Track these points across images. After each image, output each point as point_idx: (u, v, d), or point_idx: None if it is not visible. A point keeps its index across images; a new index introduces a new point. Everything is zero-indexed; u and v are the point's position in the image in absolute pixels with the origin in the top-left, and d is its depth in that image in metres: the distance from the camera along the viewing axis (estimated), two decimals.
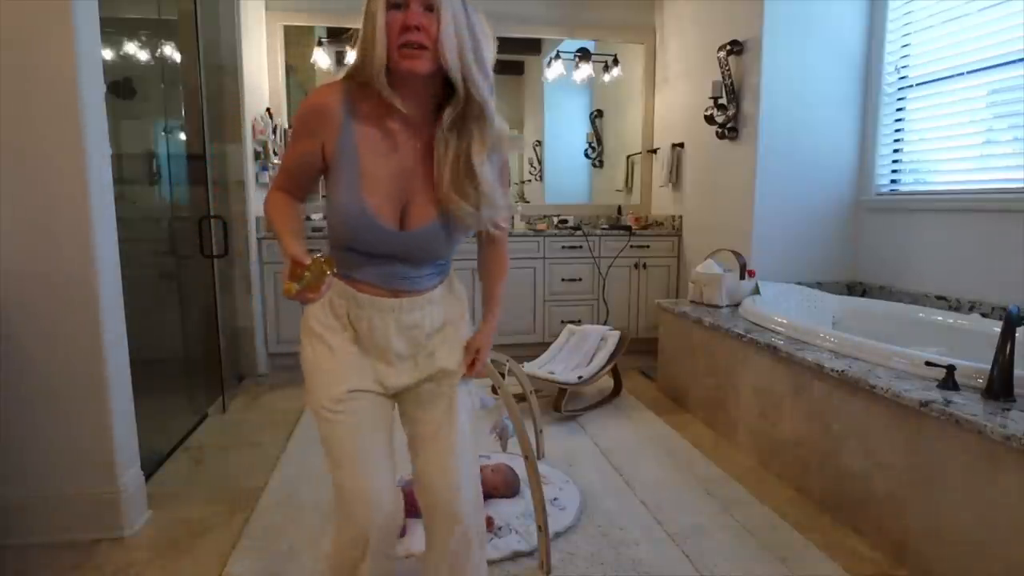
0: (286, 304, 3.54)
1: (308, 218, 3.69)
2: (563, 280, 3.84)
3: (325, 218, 1.11)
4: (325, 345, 1.11)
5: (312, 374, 1.13)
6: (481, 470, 1.52)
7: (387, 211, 1.04)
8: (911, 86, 2.92)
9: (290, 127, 3.92)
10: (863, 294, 3.14)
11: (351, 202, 1.02)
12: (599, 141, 4.71)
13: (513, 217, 4.08)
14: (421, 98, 1.04)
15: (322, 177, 1.10)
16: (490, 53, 1.05)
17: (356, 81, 1.02)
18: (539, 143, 4.65)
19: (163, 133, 2.80)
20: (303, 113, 1.06)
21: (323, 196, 1.09)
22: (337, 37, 4.05)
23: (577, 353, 3.10)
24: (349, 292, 1.11)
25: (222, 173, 3.24)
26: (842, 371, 1.90)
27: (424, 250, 1.09)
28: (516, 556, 1.74)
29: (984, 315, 2.45)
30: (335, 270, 0.96)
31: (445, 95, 1.04)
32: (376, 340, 1.12)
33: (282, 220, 1.08)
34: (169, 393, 2.74)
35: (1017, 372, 1.60)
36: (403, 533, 1.77)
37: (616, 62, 4.28)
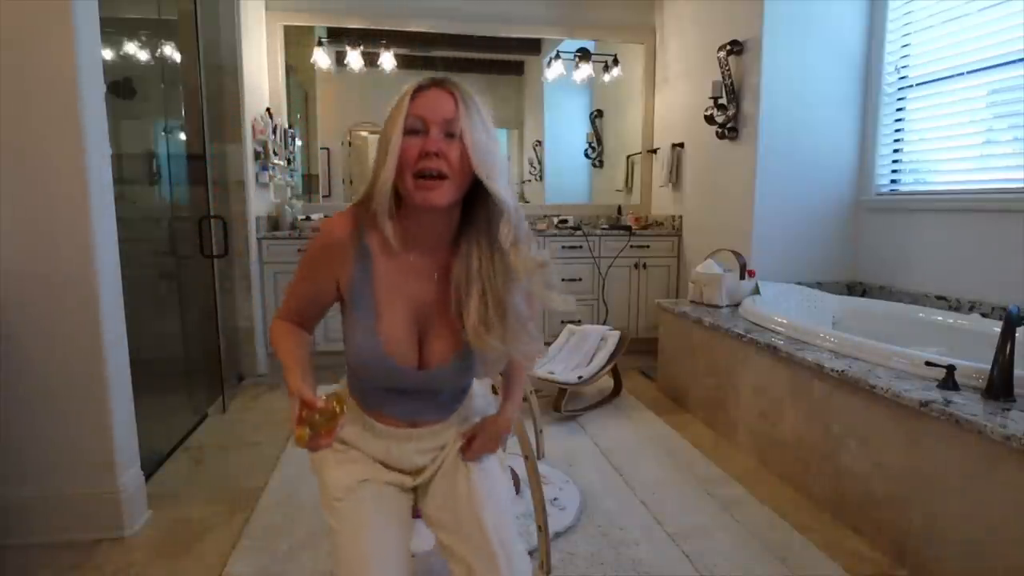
0: None
1: (308, 218, 3.69)
2: (563, 280, 3.82)
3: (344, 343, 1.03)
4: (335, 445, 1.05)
5: (321, 468, 1.06)
6: None
7: (405, 348, 0.98)
8: (911, 86, 2.92)
9: (289, 127, 3.93)
10: (863, 294, 3.14)
11: (368, 345, 0.96)
12: (599, 141, 4.71)
13: None
14: (438, 226, 0.96)
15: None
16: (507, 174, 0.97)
17: (367, 208, 0.94)
18: (539, 143, 4.65)
19: (163, 133, 2.80)
20: (315, 249, 0.99)
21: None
22: (337, 37, 4.06)
23: (577, 353, 3.10)
24: (366, 422, 1.05)
25: (222, 173, 3.24)
26: (842, 371, 1.90)
27: (445, 385, 1.04)
28: None
29: (984, 315, 2.45)
30: (344, 409, 0.89)
31: (463, 221, 0.97)
32: (392, 460, 1.07)
33: (289, 353, 1.00)
34: (169, 393, 2.74)
35: (1017, 372, 1.60)
36: None
37: (616, 62, 4.28)
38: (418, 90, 0.90)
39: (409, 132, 0.88)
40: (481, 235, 0.95)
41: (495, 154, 0.91)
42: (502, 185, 0.91)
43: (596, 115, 4.69)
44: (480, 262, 0.95)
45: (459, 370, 1.02)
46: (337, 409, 0.87)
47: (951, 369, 1.69)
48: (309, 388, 0.89)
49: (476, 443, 1.07)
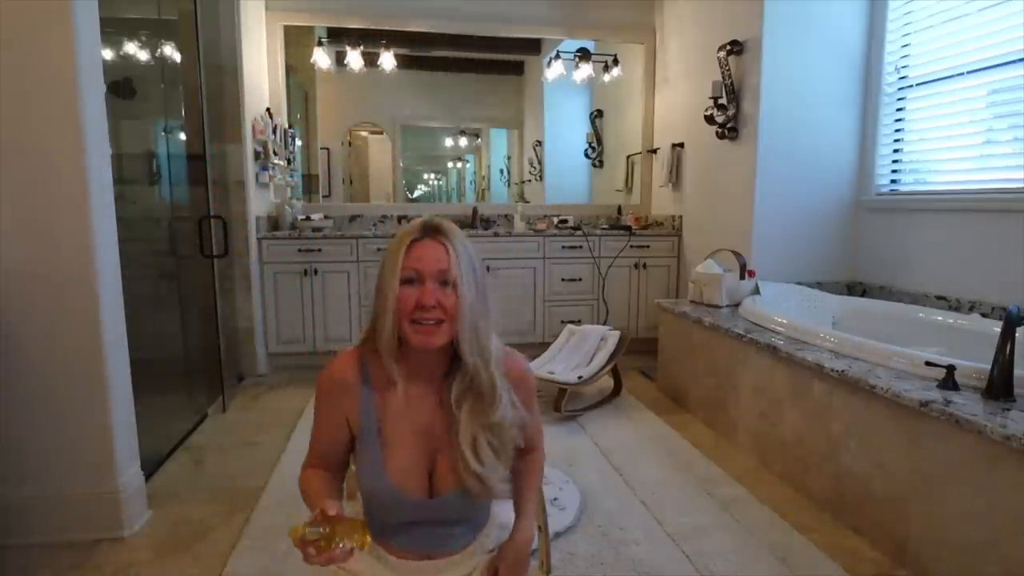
0: (286, 304, 3.55)
1: (308, 218, 3.69)
2: (563, 280, 3.84)
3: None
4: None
5: None
6: None
7: (414, 480, 0.99)
8: (911, 86, 2.92)
9: (289, 127, 3.93)
10: (863, 294, 3.14)
11: (376, 482, 0.98)
12: (599, 141, 4.71)
13: (514, 218, 4.09)
14: (436, 360, 1.00)
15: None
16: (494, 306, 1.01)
17: (370, 348, 0.99)
18: (539, 143, 4.65)
19: (163, 133, 2.80)
20: (322, 387, 1.02)
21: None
22: (337, 37, 4.06)
23: (577, 353, 3.10)
24: (378, 553, 1.04)
25: (222, 173, 3.24)
26: (842, 371, 1.90)
27: (457, 512, 1.03)
28: None
29: (984, 315, 2.45)
30: (364, 546, 0.85)
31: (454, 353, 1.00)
32: None
33: (315, 491, 0.99)
34: (169, 393, 2.74)
35: (1017, 372, 1.60)
36: None
37: (616, 62, 4.28)
38: (413, 242, 0.94)
39: (405, 282, 0.93)
40: (465, 382, 0.99)
41: (481, 306, 0.96)
42: (483, 331, 0.96)
43: (596, 115, 4.69)
44: (467, 406, 0.99)
45: (474, 490, 0.98)
46: (356, 543, 0.84)
47: (951, 369, 1.69)
48: (332, 503, 0.88)
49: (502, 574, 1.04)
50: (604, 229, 3.97)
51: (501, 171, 4.80)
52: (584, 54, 4.16)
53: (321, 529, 0.83)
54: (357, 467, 1.01)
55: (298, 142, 4.11)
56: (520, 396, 1.03)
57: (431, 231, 0.95)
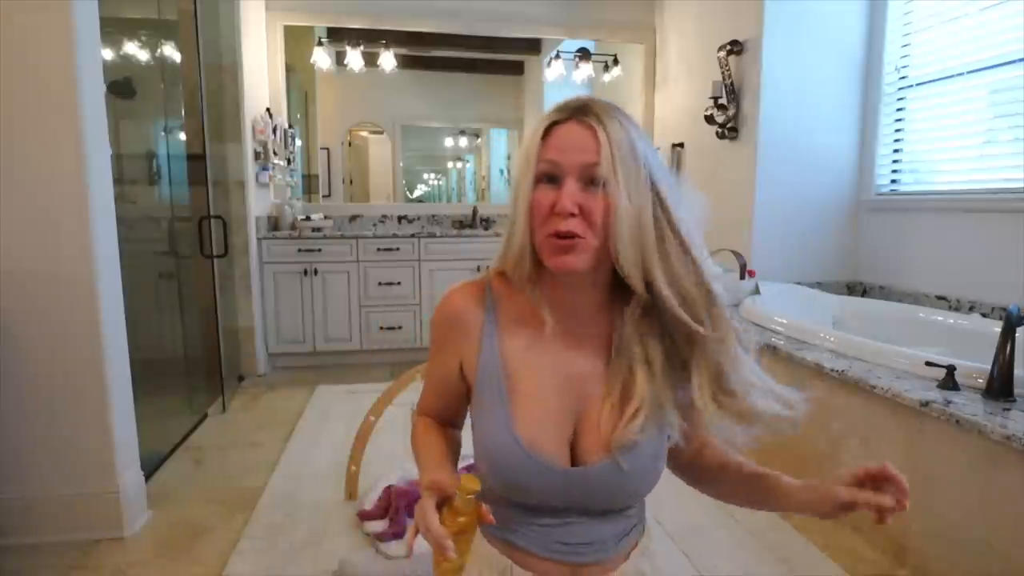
0: (286, 304, 3.55)
1: (307, 218, 3.69)
2: None
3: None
4: None
5: None
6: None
7: (550, 442, 0.74)
8: (911, 86, 2.91)
9: (289, 127, 3.93)
10: (863, 294, 3.14)
11: (502, 439, 0.74)
12: None
13: None
14: (588, 290, 0.76)
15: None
16: (696, 221, 0.75)
17: (502, 273, 0.79)
18: None
19: (163, 133, 2.80)
20: (436, 320, 0.82)
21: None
22: (337, 37, 4.06)
23: None
24: (504, 565, 0.78)
25: (222, 173, 3.24)
26: (842, 371, 1.90)
27: (611, 493, 0.75)
28: None
29: (984, 315, 2.45)
30: (479, 489, 0.68)
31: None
32: None
33: (426, 449, 0.81)
34: (169, 393, 2.74)
35: (1017, 372, 1.60)
36: (403, 534, 1.77)
37: (616, 62, 4.28)
38: (553, 125, 0.71)
39: (542, 179, 0.71)
40: (640, 310, 0.74)
41: (660, 216, 0.70)
42: (670, 252, 0.70)
43: None
44: (644, 341, 0.75)
45: (631, 466, 0.74)
46: (470, 496, 0.67)
47: (951, 369, 1.69)
48: (443, 475, 0.72)
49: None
50: None
51: (501, 171, 4.80)
52: (584, 54, 4.16)
53: (461, 519, 0.68)
54: (475, 426, 0.79)
55: (298, 142, 4.12)
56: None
57: (579, 111, 0.70)
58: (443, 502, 0.69)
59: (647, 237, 0.69)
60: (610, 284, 0.76)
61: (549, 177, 0.70)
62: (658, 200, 0.71)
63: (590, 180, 0.69)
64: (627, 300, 0.75)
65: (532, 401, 0.75)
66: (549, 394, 0.75)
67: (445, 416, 0.87)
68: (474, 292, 0.80)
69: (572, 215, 0.68)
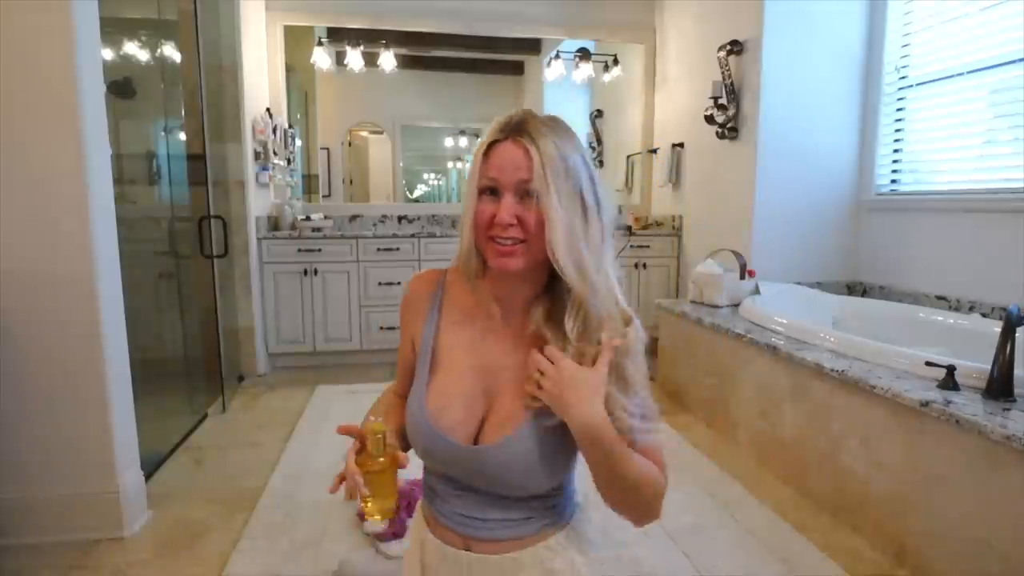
0: (286, 304, 3.55)
1: (307, 218, 3.69)
2: None
3: None
4: None
5: None
6: None
7: (455, 418, 0.81)
8: (911, 86, 2.92)
9: (289, 127, 3.93)
10: (863, 294, 3.14)
11: (414, 404, 0.84)
12: (599, 141, 4.71)
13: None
14: (523, 288, 0.84)
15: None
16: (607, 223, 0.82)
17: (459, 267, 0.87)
18: None
19: (163, 133, 2.80)
20: (401, 303, 0.94)
21: None
22: (337, 37, 4.06)
23: None
24: (421, 535, 0.89)
25: (222, 173, 3.24)
26: (842, 371, 1.90)
27: (501, 476, 0.80)
28: None
29: (984, 315, 2.45)
30: (379, 419, 0.78)
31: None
32: None
33: (373, 411, 0.93)
34: (169, 393, 2.74)
35: (1017, 372, 1.60)
36: (403, 533, 1.77)
37: (616, 62, 4.28)
38: (493, 144, 0.79)
39: (484, 191, 0.79)
40: (575, 312, 0.81)
41: (581, 226, 0.78)
42: (589, 262, 0.78)
43: (596, 115, 4.69)
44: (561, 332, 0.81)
45: (520, 453, 0.79)
46: (375, 429, 0.76)
47: (951, 369, 1.69)
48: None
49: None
50: None
51: None
52: (584, 54, 4.16)
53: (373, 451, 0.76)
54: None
55: (298, 142, 4.11)
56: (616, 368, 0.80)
57: (515, 130, 0.78)
58: (363, 448, 0.78)
59: (578, 241, 0.78)
60: (546, 282, 0.85)
61: (491, 190, 0.79)
62: (583, 207, 0.79)
63: (525, 193, 0.77)
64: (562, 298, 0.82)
65: (448, 379, 0.84)
66: (466, 375, 0.84)
67: (405, 392, 0.93)
68: (430, 279, 0.92)
69: (511, 225, 0.77)
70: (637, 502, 0.80)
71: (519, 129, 0.78)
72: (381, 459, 0.77)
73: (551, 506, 0.87)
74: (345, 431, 0.80)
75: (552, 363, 0.77)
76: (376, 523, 0.79)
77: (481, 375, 0.84)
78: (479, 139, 0.84)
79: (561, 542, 0.87)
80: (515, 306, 0.85)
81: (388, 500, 0.78)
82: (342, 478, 0.77)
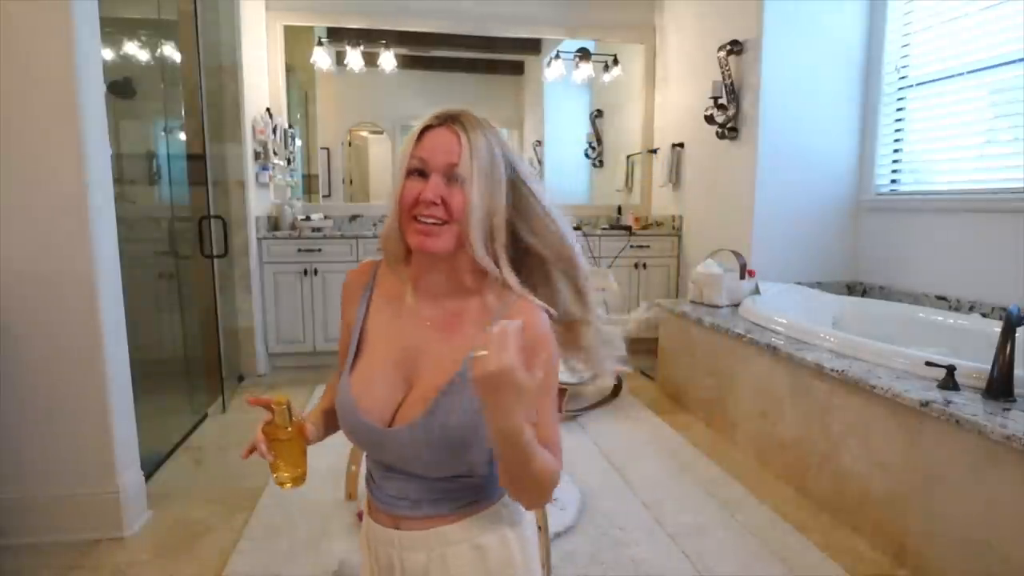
0: (286, 304, 3.55)
1: (307, 218, 3.69)
2: None
3: None
4: None
5: None
6: None
7: (374, 402, 0.84)
8: (911, 86, 2.92)
9: (289, 127, 3.93)
10: (863, 294, 3.14)
11: (342, 387, 0.87)
12: (599, 141, 4.71)
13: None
14: (445, 272, 0.85)
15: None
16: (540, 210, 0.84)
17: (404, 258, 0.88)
18: (539, 143, 4.65)
19: (163, 133, 2.80)
20: (342, 292, 0.96)
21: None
22: (337, 37, 4.06)
23: None
24: (366, 518, 0.94)
25: (222, 173, 3.24)
26: (842, 371, 1.90)
27: (407, 458, 0.83)
28: None
29: (984, 315, 2.45)
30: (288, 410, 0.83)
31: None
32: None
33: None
34: (169, 393, 2.74)
35: (1017, 372, 1.60)
36: None
37: (616, 62, 4.28)
38: (425, 128, 0.84)
39: (412, 173, 0.82)
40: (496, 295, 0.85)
41: (494, 212, 0.81)
42: (504, 252, 0.82)
43: (596, 115, 4.69)
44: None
45: (422, 437, 0.80)
46: (278, 407, 0.82)
47: (951, 369, 1.69)
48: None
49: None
50: (604, 229, 3.97)
51: None
52: (584, 54, 4.16)
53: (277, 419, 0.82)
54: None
55: (298, 142, 4.12)
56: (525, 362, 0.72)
57: (450, 119, 0.83)
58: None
59: (497, 228, 0.81)
60: (473, 271, 0.85)
61: (419, 172, 0.81)
62: (515, 194, 0.83)
63: (452, 178, 0.80)
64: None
65: (371, 364, 0.87)
66: (388, 361, 0.86)
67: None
68: (365, 269, 0.93)
69: (434, 203, 0.79)
70: (537, 492, 0.79)
71: (454, 118, 0.83)
72: (288, 429, 0.83)
73: (476, 485, 0.86)
74: (255, 403, 0.84)
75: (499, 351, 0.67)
76: (287, 489, 0.87)
77: (401, 359, 0.85)
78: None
79: (491, 518, 0.87)
80: (436, 291, 0.86)
81: (298, 468, 0.86)
82: (252, 446, 0.83)
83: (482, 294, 0.85)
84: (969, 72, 2.59)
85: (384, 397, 0.84)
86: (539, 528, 1.70)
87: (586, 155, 4.70)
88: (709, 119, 3.30)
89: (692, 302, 3.14)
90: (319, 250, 3.53)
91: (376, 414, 0.84)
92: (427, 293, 0.87)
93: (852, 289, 3.20)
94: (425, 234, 0.80)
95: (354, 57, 3.98)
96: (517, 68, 4.72)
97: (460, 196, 0.80)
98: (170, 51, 2.78)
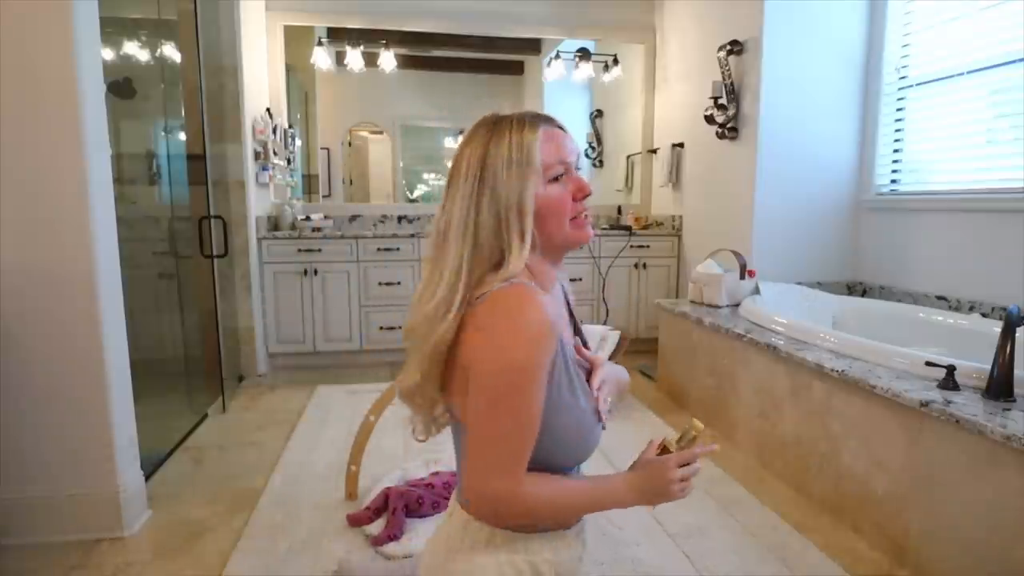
0: (286, 304, 3.55)
1: (307, 218, 3.69)
2: None
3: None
4: None
5: None
6: None
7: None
8: (911, 86, 2.92)
9: (289, 127, 3.92)
10: (863, 294, 3.14)
11: (593, 430, 0.85)
12: (599, 141, 4.71)
13: None
14: (559, 268, 0.93)
15: None
16: None
17: (526, 274, 0.82)
18: None
19: (163, 133, 2.80)
20: (534, 349, 0.74)
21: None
22: (337, 37, 4.06)
23: None
24: (557, 538, 0.86)
25: (222, 173, 3.24)
26: (842, 371, 1.90)
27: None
28: None
29: (984, 315, 2.45)
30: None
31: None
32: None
33: (573, 488, 0.82)
34: (169, 393, 2.75)
35: (1017, 372, 1.60)
36: (401, 534, 1.77)
37: (616, 62, 4.28)
38: (545, 132, 0.83)
39: (552, 181, 0.82)
40: None
41: None
42: None
43: (596, 115, 4.69)
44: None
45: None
46: (695, 433, 0.89)
47: (951, 369, 1.69)
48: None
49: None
50: (604, 229, 3.97)
51: None
52: (584, 54, 4.16)
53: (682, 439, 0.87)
54: (552, 417, 0.78)
55: (298, 142, 4.12)
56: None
57: (543, 119, 0.85)
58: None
59: None
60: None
61: (556, 179, 0.83)
62: None
63: (578, 167, 0.87)
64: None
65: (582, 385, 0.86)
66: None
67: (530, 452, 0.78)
68: (543, 300, 0.77)
69: (589, 193, 0.86)
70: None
71: (547, 119, 0.86)
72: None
73: None
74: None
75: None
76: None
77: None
78: (502, 139, 0.82)
79: None
80: (551, 283, 0.90)
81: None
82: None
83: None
84: (969, 72, 2.59)
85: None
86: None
87: (586, 155, 4.70)
88: (709, 119, 3.30)
89: (692, 302, 3.14)
90: (319, 250, 3.53)
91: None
92: (549, 290, 0.88)
93: (852, 289, 3.20)
94: (587, 226, 0.86)
95: (354, 57, 3.98)
96: (517, 68, 4.72)
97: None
98: (170, 51, 2.78)
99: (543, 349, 0.74)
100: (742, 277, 3.03)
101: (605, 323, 3.78)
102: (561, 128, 0.86)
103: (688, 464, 0.88)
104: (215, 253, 2.84)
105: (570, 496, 0.80)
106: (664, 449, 0.88)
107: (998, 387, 1.59)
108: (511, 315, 0.74)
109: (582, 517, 0.91)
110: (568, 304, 0.98)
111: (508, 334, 0.73)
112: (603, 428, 0.89)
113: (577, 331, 0.99)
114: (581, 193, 0.84)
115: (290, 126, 3.93)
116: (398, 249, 3.63)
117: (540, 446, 0.77)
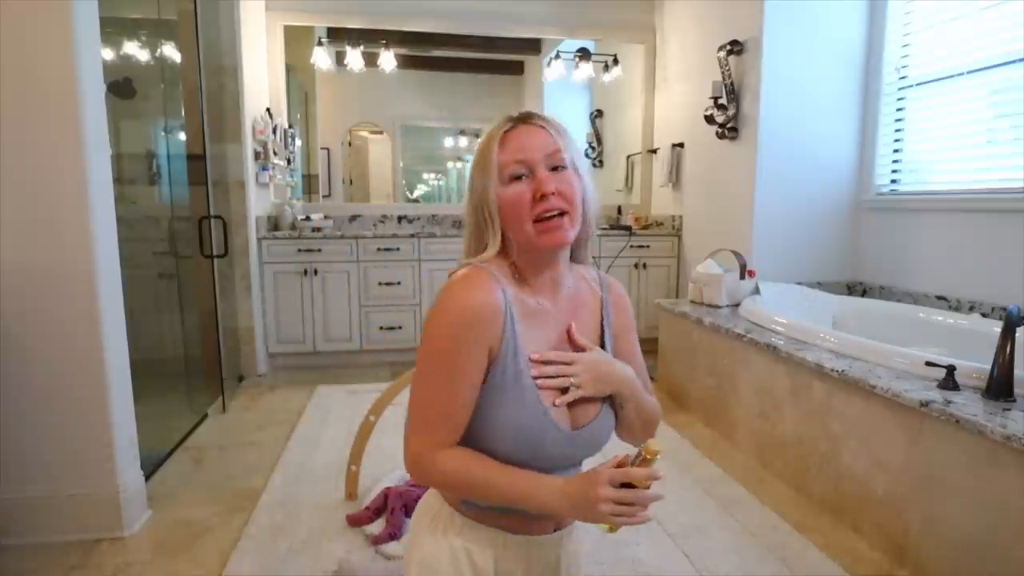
0: (286, 304, 3.55)
1: (307, 218, 3.69)
2: None
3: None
4: None
5: None
6: None
7: (560, 409, 0.84)
8: (911, 86, 2.92)
9: (289, 127, 3.92)
10: (863, 294, 3.14)
11: (538, 420, 0.81)
12: (599, 141, 4.71)
13: None
14: (556, 266, 0.87)
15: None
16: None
17: (495, 262, 0.85)
18: None
19: (163, 133, 2.80)
20: (465, 321, 0.78)
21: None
22: (337, 37, 4.06)
23: None
24: (491, 535, 0.86)
25: (222, 173, 3.24)
26: (842, 371, 1.90)
27: (592, 448, 0.88)
28: None
29: (984, 315, 2.45)
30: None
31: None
32: None
33: (494, 468, 0.80)
34: (169, 393, 2.75)
35: (1017, 372, 1.60)
36: (401, 534, 1.77)
37: (616, 62, 4.28)
38: (505, 134, 0.82)
39: (513, 180, 0.81)
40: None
41: (587, 190, 0.85)
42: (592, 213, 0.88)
43: (596, 115, 4.69)
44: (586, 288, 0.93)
45: (607, 425, 0.88)
46: (647, 455, 0.81)
47: (951, 369, 1.69)
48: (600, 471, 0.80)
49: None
50: (604, 229, 3.97)
51: None
52: (584, 54, 4.16)
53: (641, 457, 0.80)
54: (490, 410, 0.80)
55: (298, 142, 4.12)
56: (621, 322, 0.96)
57: (520, 119, 0.83)
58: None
59: (589, 208, 0.86)
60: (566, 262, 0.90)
61: (518, 177, 0.81)
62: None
63: (554, 167, 0.81)
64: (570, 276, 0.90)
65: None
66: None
67: (460, 434, 0.81)
68: (491, 282, 0.81)
69: (554, 194, 0.80)
70: (651, 427, 0.93)
71: (526, 117, 0.84)
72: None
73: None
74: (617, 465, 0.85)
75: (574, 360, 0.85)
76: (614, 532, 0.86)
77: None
78: (478, 139, 0.86)
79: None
80: (554, 284, 0.88)
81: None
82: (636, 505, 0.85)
83: (564, 270, 0.89)
84: (969, 72, 2.59)
85: (562, 407, 0.84)
86: None
87: (586, 155, 4.70)
88: (709, 119, 3.30)
89: (692, 302, 3.14)
90: (319, 250, 3.53)
91: (564, 424, 0.84)
92: (545, 295, 0.87)
93: (852, 289, 3.20)
94: (554, 229, 0.80)
95: (354, 57, 3.98)
96: (517, 68, 4.71)
97: (568, 179, 0.81)
98: (170, 51, 2.78)
99: (469, 329, 0.78)
100: (742, 277, 3.03)
101: None
102: (543, 126, 0.82)
103: (629, 486, 0.80)
104: (215, 253, 2.84)
105: (486, 476, 0.79)
106: (619, 466, 0.82)
107: (998, 387, 1.59)
108: (444, 296, 0.80)
109: (550, 516, 0.88)
110: (583, 302, 0.92)
111: (437, 313, 0.80)
112: (573, 432, 0.84)
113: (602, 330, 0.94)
114: (539, 193, 0.79)
115: (290, 126, 3.93)
116: (398, 249, 3.63)
117: (479, 433, 0.81)
